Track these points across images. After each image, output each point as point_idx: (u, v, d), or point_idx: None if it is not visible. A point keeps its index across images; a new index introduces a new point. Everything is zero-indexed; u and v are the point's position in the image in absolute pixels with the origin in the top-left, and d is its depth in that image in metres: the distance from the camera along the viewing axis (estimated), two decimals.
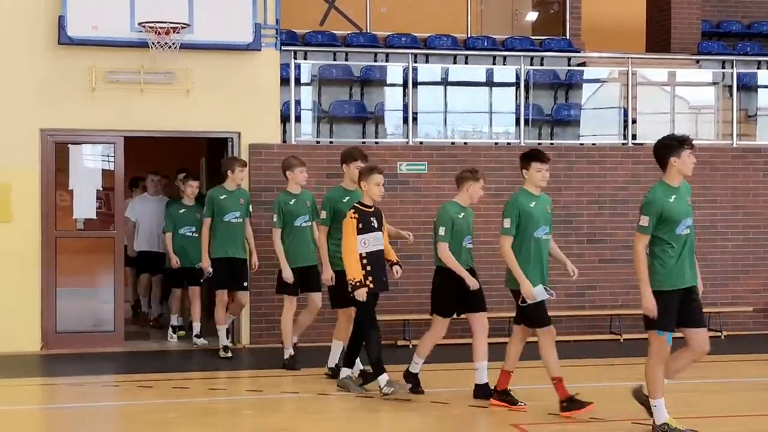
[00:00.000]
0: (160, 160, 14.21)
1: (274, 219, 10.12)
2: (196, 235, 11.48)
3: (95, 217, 12.00)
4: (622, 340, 12.34)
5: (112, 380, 10.25)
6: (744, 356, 11.06)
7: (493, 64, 14.03)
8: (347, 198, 9.42)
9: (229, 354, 10.88)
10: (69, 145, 11.85)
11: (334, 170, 11.91)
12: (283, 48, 12.24)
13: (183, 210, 11.86)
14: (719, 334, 12.54)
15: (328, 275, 9.47)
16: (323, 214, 9.54)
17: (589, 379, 9.94)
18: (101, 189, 12.02)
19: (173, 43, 11.10)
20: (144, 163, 14.06)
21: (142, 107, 11.65)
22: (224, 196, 10.89)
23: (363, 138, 13.10)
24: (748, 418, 7.83)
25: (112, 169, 11.93)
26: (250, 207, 11.10)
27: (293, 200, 10.18)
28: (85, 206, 11.87)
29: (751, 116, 14.38)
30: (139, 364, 10.90)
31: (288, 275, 10.02)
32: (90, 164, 12.36)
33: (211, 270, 10.88)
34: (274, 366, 10.34)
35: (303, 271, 10.13)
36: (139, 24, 11.15)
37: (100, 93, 11.54)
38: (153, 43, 11.08)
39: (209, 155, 13.94)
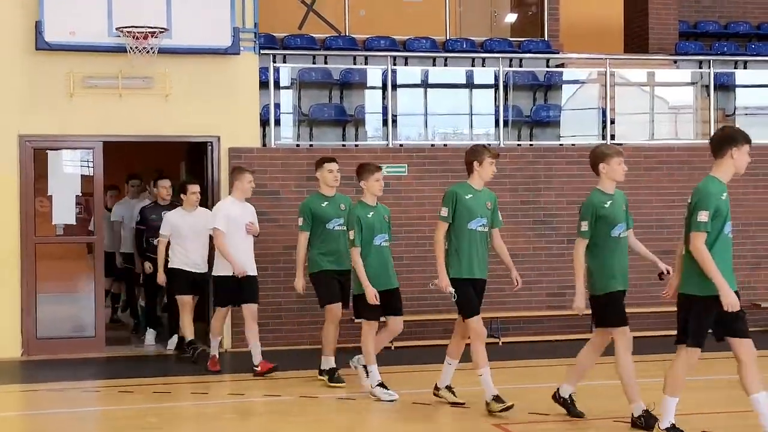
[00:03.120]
0: (139, 165, 14.19)
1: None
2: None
3: (75, 223, 11.98)
4: None
5: (93, 386, 10.22)
6: (722, 353, 11.09)
7: (472, 66, 14.06)
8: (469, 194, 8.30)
9: (460, 399, 8.49)
10: (48, 151, 11.82)
11: (314, 173, 11.93)
12: (261, 52, 12.23)
13: (372, 213, 8.92)
14: None
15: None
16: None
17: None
18: (80, 194, 12.00)
19: (151, 48, 11.08)
20: (123, 169, 14.05)
21: (120, 112, 11.62)
22: (470, 195, 8.28)
23: (343, 141, 13.11)
24: (726, 415, 7.90)
25: (91, 174, 11.89)
26: (498, 212, 8.61)
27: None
28: (64, 212, 11.84)
29: (729, 115, 14.46)
30: (120, 369, 10.87)
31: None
32: (69, 170, 12.34)
33: (452, 290, 8.22)
34: (243, 368, 10.33)
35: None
36: (116, 29, 11.11)
37: (79, 98, 11.51)
38: (131, 48, 11.06)
39: (188, 159, 13.93)
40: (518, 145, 13.29)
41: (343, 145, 12.90)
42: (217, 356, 10.42)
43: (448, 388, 8.55)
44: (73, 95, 11.48)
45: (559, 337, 12.35)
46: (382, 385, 8.80)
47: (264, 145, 12.29)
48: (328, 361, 9.45)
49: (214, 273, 10.26)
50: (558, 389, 8.01)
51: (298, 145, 12.74)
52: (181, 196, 11.04)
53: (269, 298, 11.42)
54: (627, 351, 7.56)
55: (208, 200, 12.04)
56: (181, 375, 10.46)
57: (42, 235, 11.75)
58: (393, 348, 11.32)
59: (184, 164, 14.30)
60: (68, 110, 11.52)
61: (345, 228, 9.22)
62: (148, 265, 11.89)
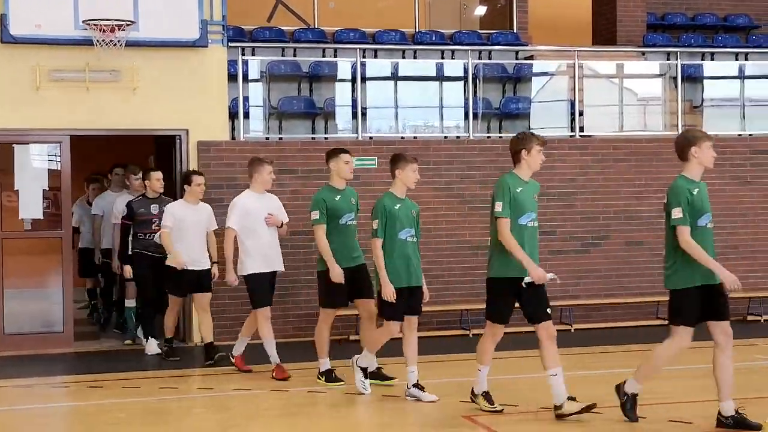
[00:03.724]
0: (107, 160, 14.08)
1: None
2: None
3: (42, 217, 11.88)
4: (572, 330, 12.45)
5: (61, 381, 10.15)
6: (693, 343, 11.20)
7: (442, 58, 14.07)
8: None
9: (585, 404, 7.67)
10: (14, 145, 11.71)
11: (284, 166, 11.92)
12: (230, 44, 12.18)
13: (399, 206, 8.44)
14: (667, 322, 12.70)
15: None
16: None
17: (541, 369, 10.00)
18: (48, 189, 11.89)
19: (118, 41, 11.00)
20: (91, 163, 13.94)
21: (88, 106, 11.53)
22: (521, 188, 7.80)
23: (313, 134, 13.08)
24: (696, 404, 7.95)
25: (59, 168, 11.79)
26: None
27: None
28: (31, 206, 11.74)
29: (697, 107, 14.56)
30: (89, 365, 10.80)
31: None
32: (36, 164, 12.24)
33: (554, 275, 7.76)
34: (225, 363, 10.29)
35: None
36: (83, 22, 11.03)
37: (45, 92, 11.41)
38: (98, 41, 10.97)
39: (157, 153, 13.84)
40: (488, 137, 13.33)
41: (313, 138, 12.88)
42: (281, 364, 9.62)
43: (570, 397, 7.64)
44: (39, 88, 11.37)
45: (530, 328, 12.34)
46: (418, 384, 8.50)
47: (233, 138, 12.25)
48: (324, 363, 9.22)
49: (244, 272, 9.64)
50: (719, 412, 7.21)
51: (267, 138, 12.70)
52: (185, 187, 10.55)
53: (238, 292, 11.32)
54: (674, 348, 7.26)
55: (176, 194, 11.98)
56: (150, 370, 10.41)
57: (9, 230, 11.65)
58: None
59: (153, 158, 14.20)
60: (35, 104, 11.42)
61: (355, 223, 9.09)
62: (128, 270, 11.19)
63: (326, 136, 13.02)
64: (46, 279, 12.13)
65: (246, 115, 12.47)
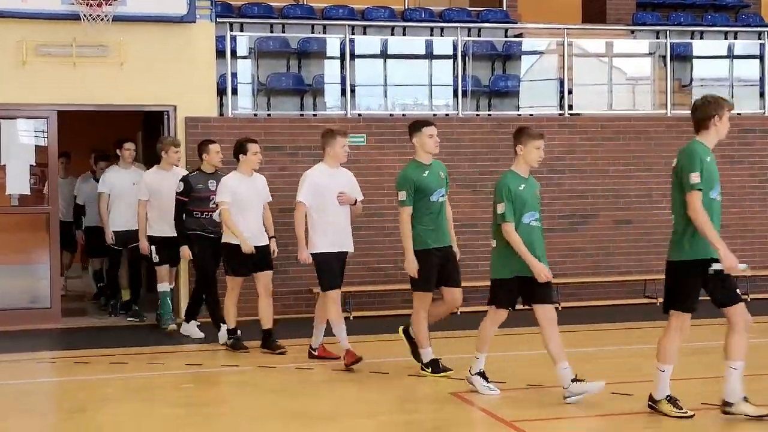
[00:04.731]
0: (95, 135, 14.03)
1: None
2: None
3: (29, 193, 11.83)
4: (560, 308, 12.45)
5: (48, 357, 10.14)
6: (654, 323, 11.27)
7: (431, 35, 14.02)
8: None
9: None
10: (0, 120, 11.64)
11: (272, 143, 11.89)
12: (218, 20, 12.12)
13: (523, 186, 7.62)
14: (655, 301, 12.74)
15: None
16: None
17: (526, 346, 10.04)
18: (35, 164, 11.83)
19: (105, 16, 10.95)
20: (79, 139, 13.86)
21: (75, 81, 11.47)
22: (710, 158, 6.91)
23: (301, 111, 13.04)
24: (683, 381, 7.97)
25: (46, 144, 11.73)
26: None
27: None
28: (18, 182, 11.69)
29: (686, 86, 14.56)
30: (76, 341, 10.79)
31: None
32: (23, 139, 12.18)
33: (746, 266, 7.07)
34: (213, 339, 10.29)
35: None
36: None
37: (32, 67, 11.34)
38: (85, 16, 10.91)
39: (145, 129, 13.79)
40: (477, 115, 13.30)
41: (302, 115, 12.84)
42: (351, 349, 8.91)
43: (745, 399, 6.91)
44: (26, 63, 11.30)
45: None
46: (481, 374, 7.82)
47: (221, 114, 12.20)
48: (427, 354, 8.49)
49: (312, 251, 8.94)
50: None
51: (255, 115, 12.65)
52: (240, 157, 9.70)
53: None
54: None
55: None
56: (137, 345, 10.40)
57: None
58: (351, 318, 11.34)
59: (141, 133, 14.15)
60: (21, 79, 11.36)
61: (446, 198, 8.52)
62: (187, 252, 10.39)
63: (315, 112, 12.99)
64: (33, 255, 12.08)
65: (234, 92, 12.42)
